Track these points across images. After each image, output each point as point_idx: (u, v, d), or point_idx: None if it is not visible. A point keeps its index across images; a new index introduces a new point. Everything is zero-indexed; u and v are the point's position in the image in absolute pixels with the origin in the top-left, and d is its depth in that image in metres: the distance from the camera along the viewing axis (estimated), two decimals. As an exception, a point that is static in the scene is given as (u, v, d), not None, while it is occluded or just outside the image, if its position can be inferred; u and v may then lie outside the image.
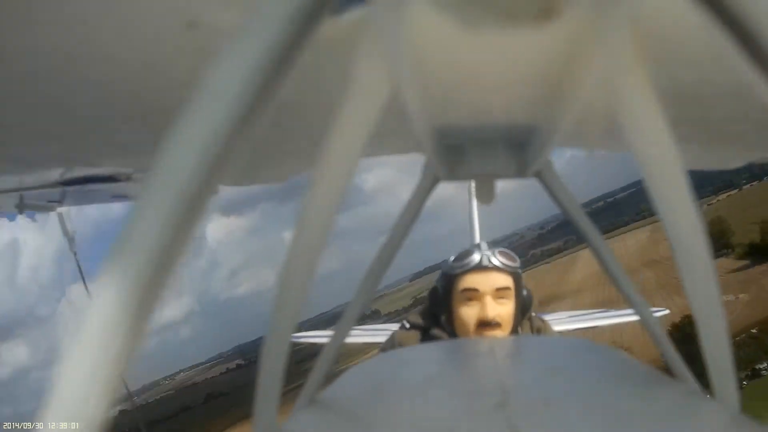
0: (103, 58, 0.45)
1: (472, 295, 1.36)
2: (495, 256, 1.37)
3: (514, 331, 1.40)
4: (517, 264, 1.39)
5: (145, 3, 0.36)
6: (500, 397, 0.43)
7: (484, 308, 1.34)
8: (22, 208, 1.37)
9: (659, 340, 0.60)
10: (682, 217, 0.40)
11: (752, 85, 0.27)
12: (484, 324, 1.33)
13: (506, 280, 1.36)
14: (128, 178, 1.14)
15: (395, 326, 1.74)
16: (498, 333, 1.33)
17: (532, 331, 1.50)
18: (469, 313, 1.36)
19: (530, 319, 1.51)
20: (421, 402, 0.48)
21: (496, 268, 1.36)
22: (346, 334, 0.65)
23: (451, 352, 0.63)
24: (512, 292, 1.36)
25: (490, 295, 1.35)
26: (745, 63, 0.25)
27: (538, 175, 0.62)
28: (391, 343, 1.54)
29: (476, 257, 1.38)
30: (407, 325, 1.55)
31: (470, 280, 1.37)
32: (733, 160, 0.94)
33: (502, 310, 1.35)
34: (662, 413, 0.43)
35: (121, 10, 0.37)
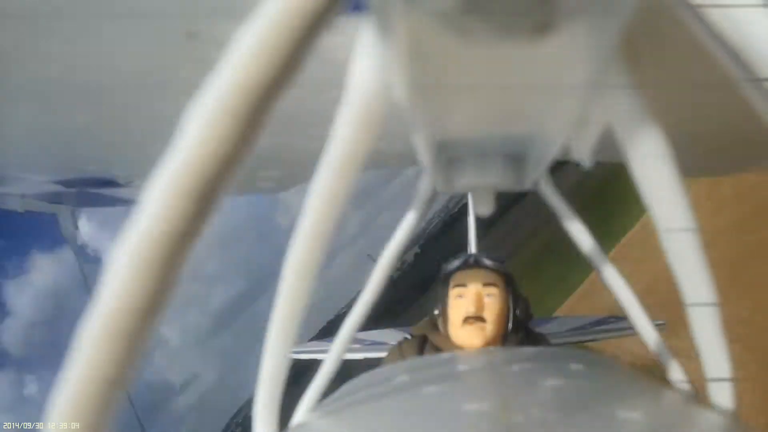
0: (104, 67, 0.46)
1: (462, 291, 1.44)
2: (482, 257, 1.50)
3: (506, 335, 1.43)
4: (504, 264, 1.50)
5: (145, 14, 0.36)
6: (499, 408, 0.43)
7: (469, 301, 1.41)
8: (24, 209, 1.38)
9: (658, 350, 0.60)
10: (678, 225, 0.41)
11: (747, 94, 0.27)
12: (468, 318, 1.39)
13: (493, 277, 1.46)
14: (128, 184, 1.15)
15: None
16: (482, 326, 1.37)
17: (530, 344, 1.51)
18: (457, 308, 1.43)
19: (527, 332, 1.53)
20: (420, 413, 0.48)
21: (482, 266, 1.47)
22: (346, 346, 0.65)
23: (451, 364, 0.63)
24: (499, 290, 1.44)
25: (477, 290, 1.43)
26: (740, 72, 0.26)
27: (536, 187, 0.62)
28: (394, 355, 1.55)
29: (465, 256, 1.53)
30: (409, 337, 1.59)
31: (460, 277, 1.47)
32: (728, 168, 0.95)
33: (488, 306, 1.42)
34: (660, 423, 0.43)
35: (122, 22, 0.37)
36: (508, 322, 1.44)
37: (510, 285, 1.48)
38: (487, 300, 1.41)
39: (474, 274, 1.45)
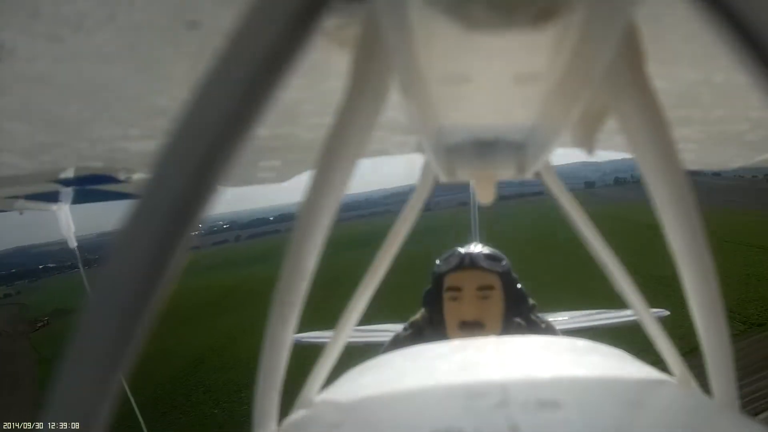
0: (101, 58, 0.45)
1: (456, 294, 1.37)
2: (478, 256, 1.39)
3: (505, 332, 1.39)
4: (502, 263, 1.39)
5: (145, 3, 0.36)
6: (500, 396, 0.43)
7: (464, 307, 1.33)
8: (20, 208, 1.37)
9: (659, 340, 0.60)
10: (682, 217, 0.40)
11: (751, 85, 0.27)
12: (465, 324, 1.33)
13: (489, 279, 1.36)
14: (127, 179, 1.14)
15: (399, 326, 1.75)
16: (480, 334, 1.32)
17: (533, 332, 1.50)
18: (452, 312, 1.36)
19: (530, 319, 1.51)
20: (420, 402, 0.48)
21: (478, 267, 1.37)
22: (347, 335, 0.65)
23: (451, 352, 0.63)
24: (497, 292, 1.36)
25: (472, 294, 1.35)
26: (744, 62, 0.25)
27: (538, 176, 0.62)
28: (393, 345, 1.55)
29: (459, 256, 1.40)
30: (407, 327, 1.57)
31: (453, 279, 1.38)
32: (732, 160, 0.95)
33: (485, 310, 1.34)
34: (662, 413, 0.43)
35: (121, 11, 0.37)
36: (506, 318, 1.39)
37: (506, 282, 1.41)
38: (483, 303, 1.34)
39: (469, 276, 1.37)
